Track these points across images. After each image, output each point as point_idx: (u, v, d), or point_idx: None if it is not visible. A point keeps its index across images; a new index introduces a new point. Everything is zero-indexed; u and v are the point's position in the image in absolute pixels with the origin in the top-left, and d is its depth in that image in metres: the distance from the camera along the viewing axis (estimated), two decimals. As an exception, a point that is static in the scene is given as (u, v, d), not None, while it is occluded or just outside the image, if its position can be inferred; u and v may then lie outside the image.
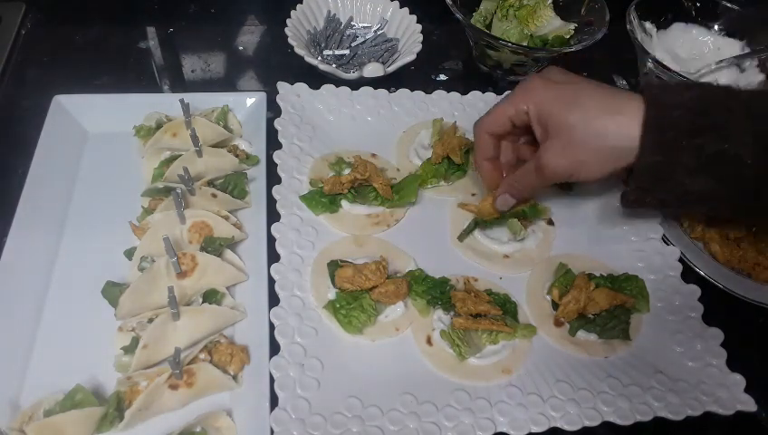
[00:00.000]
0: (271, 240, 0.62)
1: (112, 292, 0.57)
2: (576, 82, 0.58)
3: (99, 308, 0.57)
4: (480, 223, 0.67)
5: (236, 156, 0.68)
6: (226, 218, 0.63)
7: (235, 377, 0.54)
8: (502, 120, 0.61)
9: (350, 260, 0.63)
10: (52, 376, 0.54)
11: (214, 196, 0.64)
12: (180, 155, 0.66)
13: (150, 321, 0.55)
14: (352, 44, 0.86)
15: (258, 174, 0.68)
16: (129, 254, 0.60)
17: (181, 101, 0.66)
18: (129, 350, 0.54)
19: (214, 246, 0.60)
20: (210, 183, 0.65)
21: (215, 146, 0.68)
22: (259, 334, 0.57)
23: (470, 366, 0.58)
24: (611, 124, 0.54)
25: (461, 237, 0.67)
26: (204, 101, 0.74)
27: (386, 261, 0.62)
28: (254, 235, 0.64)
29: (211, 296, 0.59)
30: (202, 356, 0.54)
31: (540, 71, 0.61)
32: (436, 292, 0.61)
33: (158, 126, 0.69)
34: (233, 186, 0.66)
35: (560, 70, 0.60)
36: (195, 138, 0.64)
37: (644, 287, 0.64)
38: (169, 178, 0.64)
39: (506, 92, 0.80)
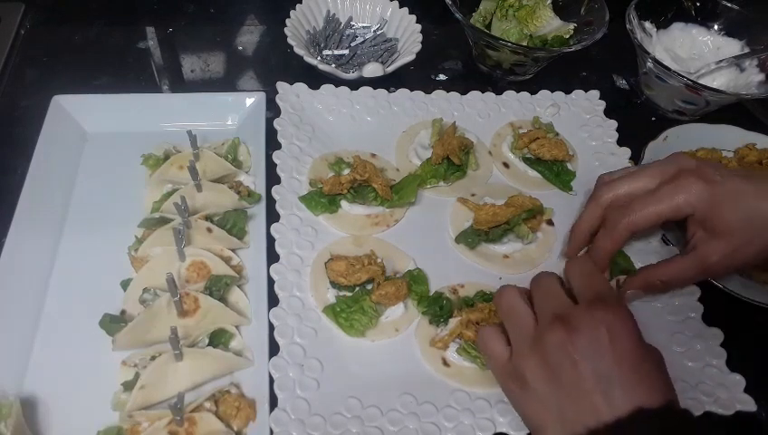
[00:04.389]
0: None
1: (110, 327, 0.56)
2: (731, 176, 0.57)
3: (97, 310, 0.57)
4: (482, 235, 0.66)
5: (238, 192, 0.65)
6: (229, 259, 0.61)
7: (238, 433, 0.52)
8: (657, 220, 0.58)
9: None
10: (51, 377, 0.55)
11: (209, 230, 0.62)
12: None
13: (153, 359, 0.54)
14: (352, 44, 0.86)
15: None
16: (125, 285, 0.59)
17: (189, 132, 0.65)
18: (129, 387, 0.53)
19: (219, 285, 0.58)
20: (208, 218, 0.63)
21: (219, 180, 0.67)
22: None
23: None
24: None
25: (459, 239, 0.67)
26: (203, 101, 0.74)
27: (375, 254, 0.62)
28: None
29: (219, 337, 0.57)
30: (207, 405, 0.52)
31: (688, 165, 0.59)
32: (435, 309, 0.60)
33: (167, 157, 0.68)
34: (231, 223, 0.64)
35: (701, 160, 0.61)
36: (194, 171, 0.62)
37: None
38: (166, 208, 0.63)
39: (504, 92, 0.80)
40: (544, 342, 0.46)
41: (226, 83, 0.84)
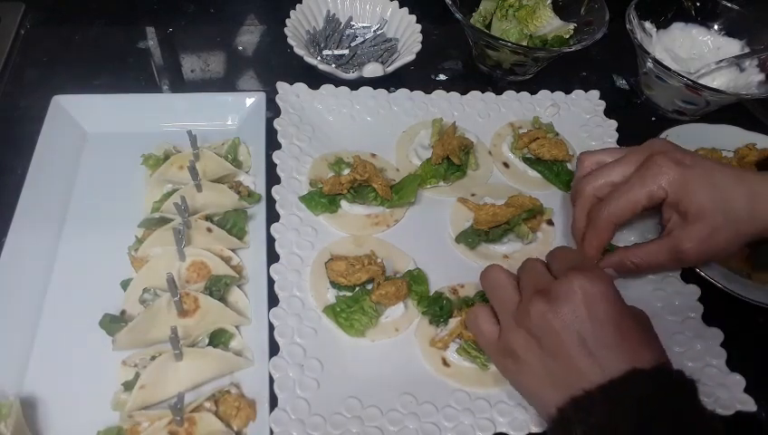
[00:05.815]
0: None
1: (110, 327, 0.56)
2: (702, 161, 0.58)
3: (97, 310, 0.57)
4: (482, 235, 0.66)
5: (238, 192, 0.65)
6: (229, 259, 0.61)
7: (238, 433, 0.52)
8: (634, 209, 0.58)
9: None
10: (51, 377, 0.55)
11: (209, 230, 0.61)
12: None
13: (153, 359, 0.54)
14: (352, 44, 0.86)
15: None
16: (125, 285, 0.59)
17: (189, 132, 0.65)
18: (129, 387, 0.52)
19: (219, 285, 0.58)
20: (208, 218, 0.63)
21: (219, 180, 0.67)
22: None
23: (494, 373, 0.57)
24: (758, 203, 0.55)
25: (459, 239, 0.67)
26: (203, 101, 0.74)
27: (375, 254, 0.62)
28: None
29: (219, 337, 0.57)
30: (207, 405, 0.52)
31: (660, 149, 0.59)
32: (435, 309, 0.60)
33: (167, 157, 0.67)
34: (231, 223, 0.64)
35: (675, 145, 0.60)
36: (194, 171, 0.62)
37: None
38: (166, 208, 0.63)
39: (504, 92, 0.80)
40: (528, 314, 0.48)
41: (226, 83, 0.84)
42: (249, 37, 0.90)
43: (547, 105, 0.80)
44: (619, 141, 0.77)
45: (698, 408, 0.45)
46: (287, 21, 0.82)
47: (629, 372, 0.44)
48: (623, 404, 0.43)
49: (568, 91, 0.82)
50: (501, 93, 0.81)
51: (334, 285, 0.61)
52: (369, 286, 0.61)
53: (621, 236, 0.67)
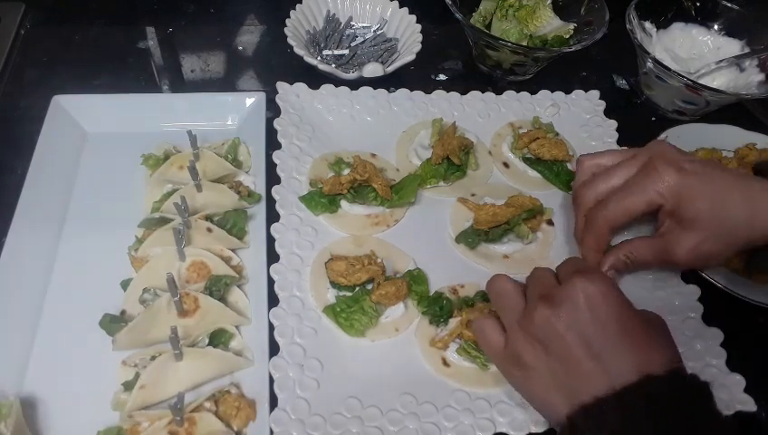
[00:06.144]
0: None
1: (110, 327, 0.56)
2: (703, 167, 0.57)
3: (97, 310, 0.57)
4: (482, 235, 0.66)
5: (238, 192, 0.65)
6: (229, 259, 0.61)
7: (238, 433, 0.52)
8: (632, 215, 0.58)
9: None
10: (51, 377, 0.55)
11: (209, 230, 0.61)
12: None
13: (153, 359, 0.54)
14: (352, 44, 0.86)
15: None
16: (125, 285, 0.59)
17: (189, 132, 0.65)
18: (129, 387, 0.52)
19: (219, 285, 0.58)
20: (208, 218, 0.63)
21: (219, 180, 0.66)
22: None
23: (494, 373, 0.57)
24: (754, 211, 0.55)
25: (459, 239, 0.67)
26: (203, 101, 0.74)
27: (375, 254, 0.62)
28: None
29: (219, 337, 0.57)
30: (207, 405, 0.52)
31: (660, 153, 0.58)
32: (435, 309, 0.60)
33: (167, 157, 0.67)
34: (231, 223, 0.64)
35: (676, 149, 0.59)
36: (194, 171, 0.62)
37: None
38: (166, 208, 0.63)
39: (504, 92, 0.80)
40: (533, 320, 0.48)
41: (226, 83, 0.84)
42: (249, 37, 0.90)
43: (547, 105, 0.80)
44: (619, 141, 0.77)
45: (713, 413, 0.44)
46: (287, 21, 0.82)
47: (643, 378, 0.43)
48: (636, 411, 0.42)
49: (568, 91, 0.82)
50: (501, 93, 0.81)
51: (334, 285, 0.61)
52: (369, 286, 0.61)
53: (623, 238, 0.67)
